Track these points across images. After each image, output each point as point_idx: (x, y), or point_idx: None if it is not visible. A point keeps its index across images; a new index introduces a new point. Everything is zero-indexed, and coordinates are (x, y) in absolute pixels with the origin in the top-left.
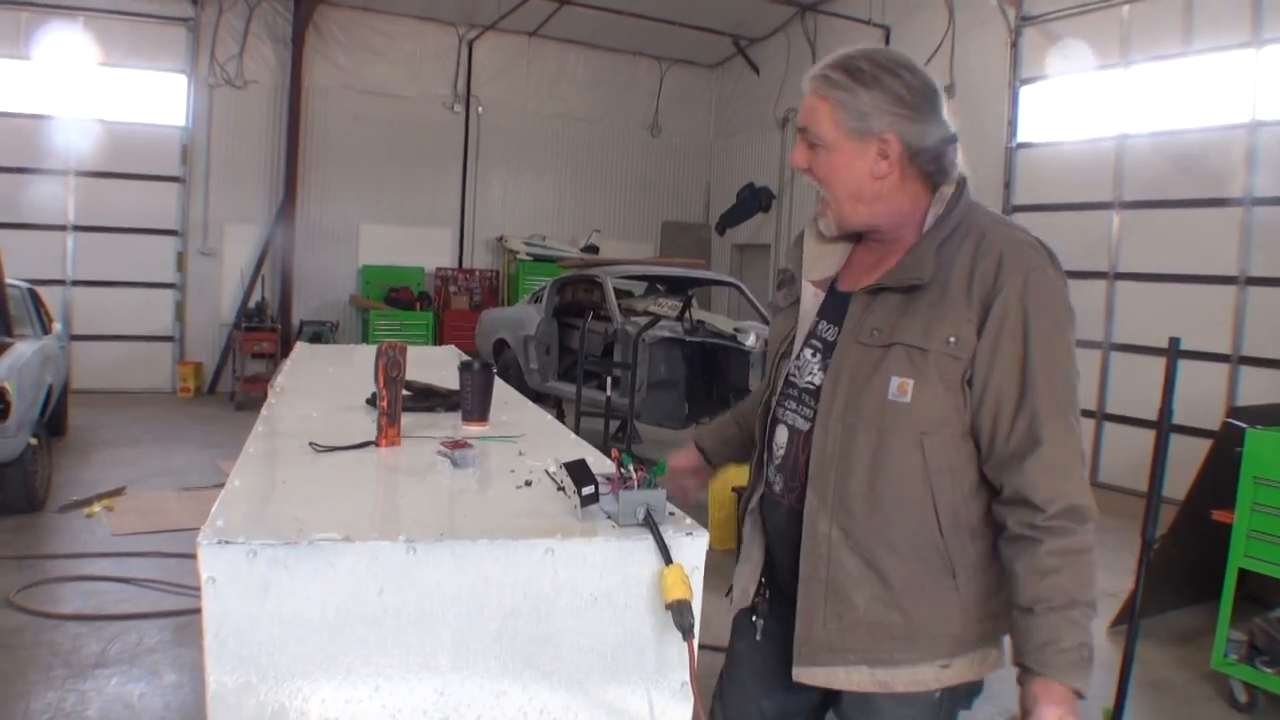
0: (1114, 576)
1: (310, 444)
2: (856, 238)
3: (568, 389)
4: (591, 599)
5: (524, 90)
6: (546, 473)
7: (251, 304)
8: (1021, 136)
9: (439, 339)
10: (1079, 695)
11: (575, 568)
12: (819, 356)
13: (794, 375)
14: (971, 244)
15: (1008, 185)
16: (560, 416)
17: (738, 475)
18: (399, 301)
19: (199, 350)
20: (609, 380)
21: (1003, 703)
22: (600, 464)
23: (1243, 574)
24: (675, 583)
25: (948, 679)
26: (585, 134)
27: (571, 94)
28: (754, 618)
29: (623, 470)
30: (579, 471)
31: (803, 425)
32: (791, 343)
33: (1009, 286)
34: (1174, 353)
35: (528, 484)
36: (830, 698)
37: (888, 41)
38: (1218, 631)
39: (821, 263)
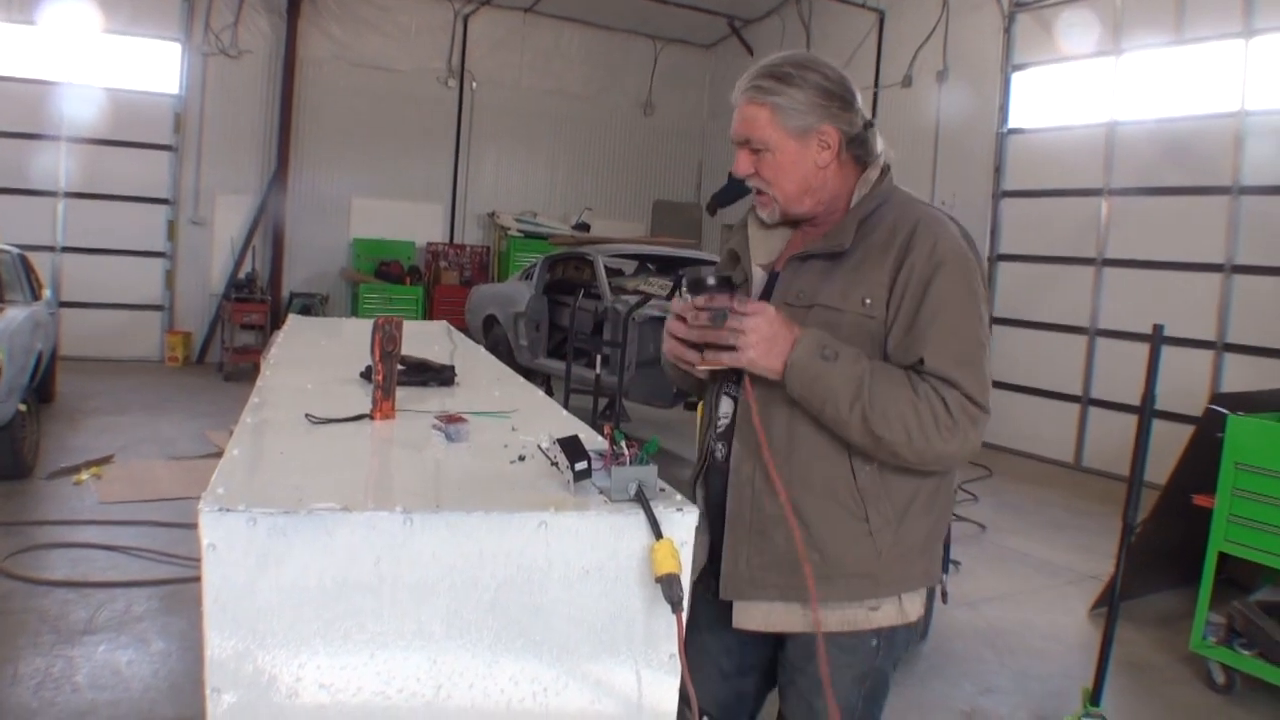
0: (1095, 559)
1: (306, 415)
2: (794, 223)
3: (557, 366)
4: (583, 572)
5: (518, 66)
6: (539, 448)
7: (241, 275)
8: (1013, 122)
9: (429, 314)
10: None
11: (567, 541)
12: None
13: None
14: (891, 218)
15: (998, 170)
16: (549, 393)
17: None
18: (389, 275)
19: (188, 320)
20: (598, 358)
21: (983, 681)
22: (592, 440)
23: (1223, 558)
24: (665, 557)
25: (878, 620)
26: (578, 112)
27: (565, 71)
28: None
29: (615, 446)
30: (572, 447)
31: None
32: None
33: (917, 250)
34: (1158, 339)
35: (521, 459)
36: (780, 651)
37: (881, 27)
38: (1197, 614)
39: (765, 247)
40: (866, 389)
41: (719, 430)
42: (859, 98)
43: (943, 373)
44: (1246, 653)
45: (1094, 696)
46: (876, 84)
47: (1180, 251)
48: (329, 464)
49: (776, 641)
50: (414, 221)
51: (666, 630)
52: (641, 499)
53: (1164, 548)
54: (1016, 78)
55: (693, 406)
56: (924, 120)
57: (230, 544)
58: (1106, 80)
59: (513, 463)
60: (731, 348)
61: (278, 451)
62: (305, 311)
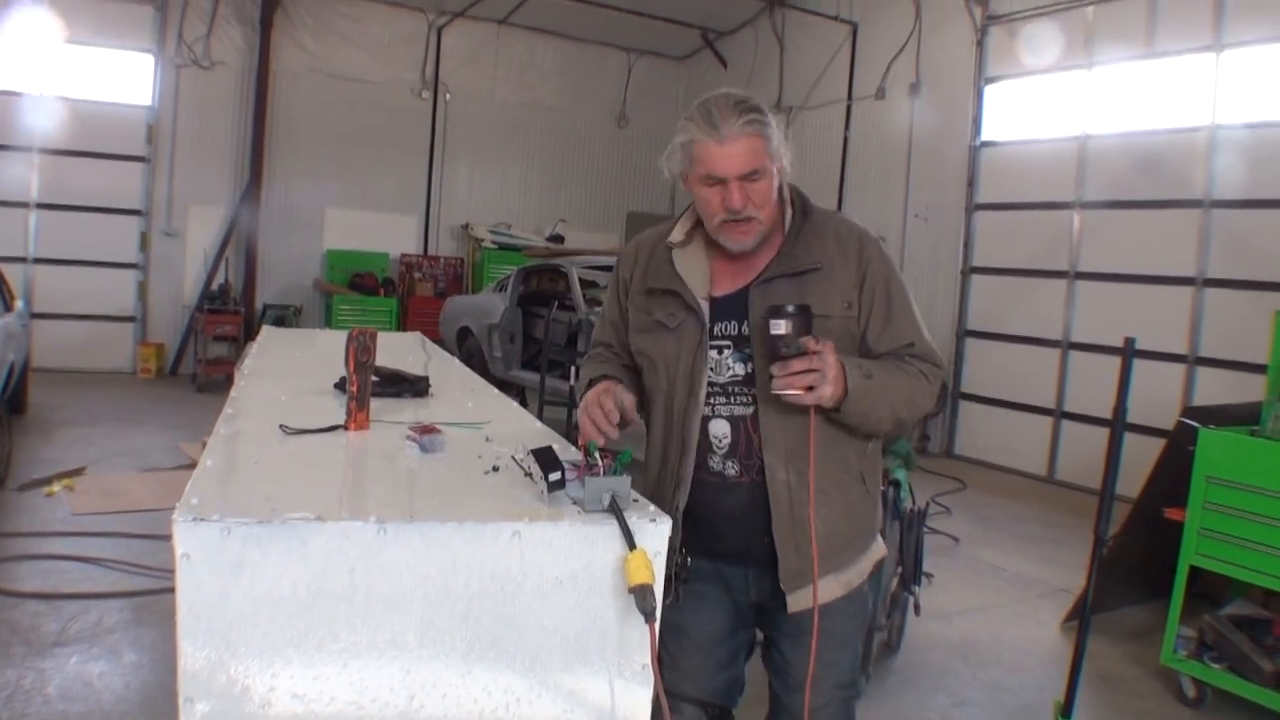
0: (1068, 572)
1: (280, 426)
2: (717, 251)
3: (531, 378)
4: (556, 582)
5: (492, 78)
6: (514, 459)
7: (214, 286)
8: (985, 135)
9: (403, 325)
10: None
11: (541, 551)
12: (731, 351)
13: (713, 375)
14: (829, 229)
15: (971, 183)
16: (523, 405)
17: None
18: (363, 287)
19: (161, 331)
20: (572, 369)
21: (955, 693)
22: (565, 452)
23: (1195, 572)
24: (639, 568)
25: (868, 563)
26: (552, 123)
27: (539, 83)
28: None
29: (588, 457)
30: (546, 458)
31: (744, 411)
32: (695, 353)
33: (869, 253)
34: (1129, 352)
35: (495, 469)
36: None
37: (855, 38)
38: (1168, 628)
39: (699, 277)
40: (892, 391)
41: (723, 450)
42: None
43: (921, 351)
44: (1217, 666)
45: (1065, 709)
46: (850, 96)
47: (1152, 265)
48: (303, 474)
49: (761, 620)
50: (388, 233)
51: (640, 640)
52: (615, 509)
53: (1136, 561)
54: (989, 90)
55: None
56: (897, 133)
57: (204, 554)
58: (1078, 93)
59: (487, 473)
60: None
61: (252, 462)
62: (279, 323)
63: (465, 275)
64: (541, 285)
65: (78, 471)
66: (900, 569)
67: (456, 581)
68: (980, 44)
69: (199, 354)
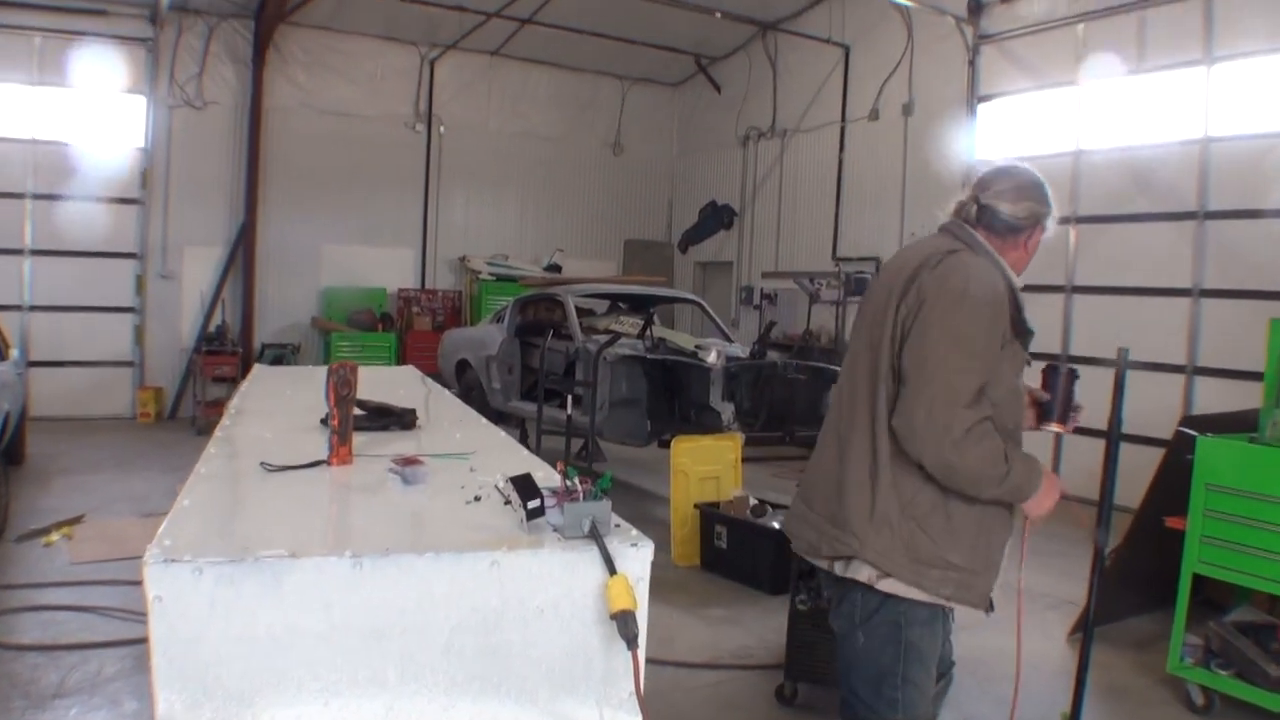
0: (1073, 584)
1: (261, 464)
2: None
3: (531, 408)
4: (538, 611)
5: (486, 109)
6: (496, 488)
7: (212, 327)
8: (979, 153)
9: (401, 360)
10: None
11: (521, 580)
12: None
13: None
14: None
15: None
16: (523, 436)
17: (699, 492)
18: (361, 323)
19: (160, 375)
20: (569, 398)
21: (963, 709)
22: (551, 479)
23: (1199, 579)
24: (620, 593)
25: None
26: (547, 153)
27: (534, 113)
28: None
29: (568, 483)
30: (524, 485)
31: None
32: None
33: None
34: (1123, 363)
35: (477, 499)
36: None
37: (847, 62)
38: (1173, 636)
39: None
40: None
41: None
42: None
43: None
44: (1224, 673)
45: None
46: (843, 118)
47: (1148, 277)
48: (282, 511)
49: None
50: (385, 268)
51: (626, 668)
52: (595, 535)
53: (1140, 571)
54: (982, 109)
55: (666, 445)
56: (891, 153)
57: (177, 595)
58: (1071, 109)
59: (468, 503)
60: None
61: (230, 501)
62: (277, 362)
63: (463, 308)
64: (539, 315)
65: (76, 520)
66: None
67: (435, 614)
68: (972, 63)
69: (198, 396)
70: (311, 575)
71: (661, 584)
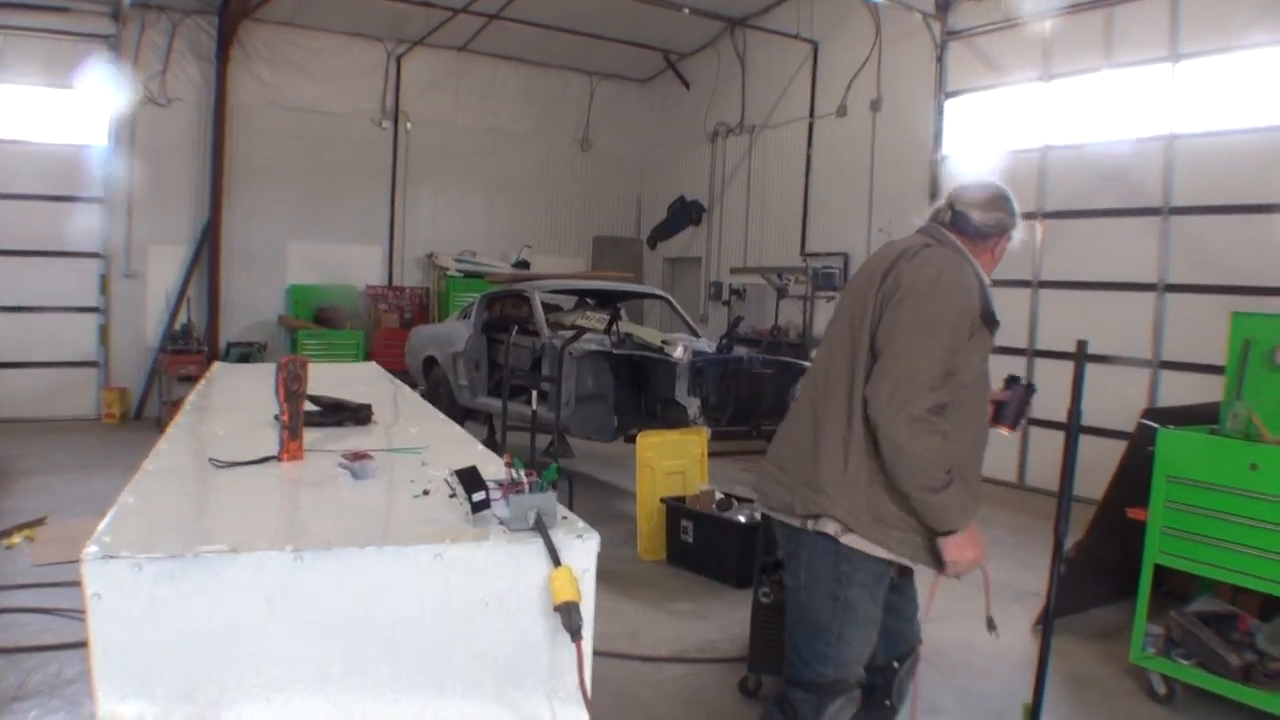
0: (1038, 576)
1: (210, 460)
2: None
3: (498, 404)
4: (483, 604)
5: (453, 106)
6: (446, 481)
7: (177, 326)
8: (947, 149)
9: (369, 358)
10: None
11: (465, 573)
12: None
13: None
14: None
15: (933, 197)
16: (491, 433)
17: (665, 486)
18: (328, 321)
19: (125, 375)
20: (534, 394)
21: (926, 701)
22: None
23: (1162, 570)
24: (564, 585)
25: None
26: (516, 149)
27: (502, 109)
28: None
29: (513, 475)
30: (470, 478)
31: None
32: None
33: None
34: (1082, 355)
35: (425, 493)
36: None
37: (815, 58)
38: (1135, 626)
39: None
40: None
41: None
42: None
43: None
44: (1185, 662)
45: (1033, 712)
46: (812, 114)
47: (1114, 272)
48: (228, 507)
49: None
50: (352, 265)
51: (573, 660)
52: (540, 527)
53: (1103, 562)
54: (949, 105)
55: (633, 440)
56: (859, 149)
57: (116, 593)
58: (1038, 106)
59: (416, 497)
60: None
61: (175, 497)
62: (244, 360)
63: (431, 305)
64: (505, 311)
65: (39, 521)
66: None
67: (379, 608)
68: (940, 59)
69: (163, 396)
70: (252, 570)
71: (627, 579)
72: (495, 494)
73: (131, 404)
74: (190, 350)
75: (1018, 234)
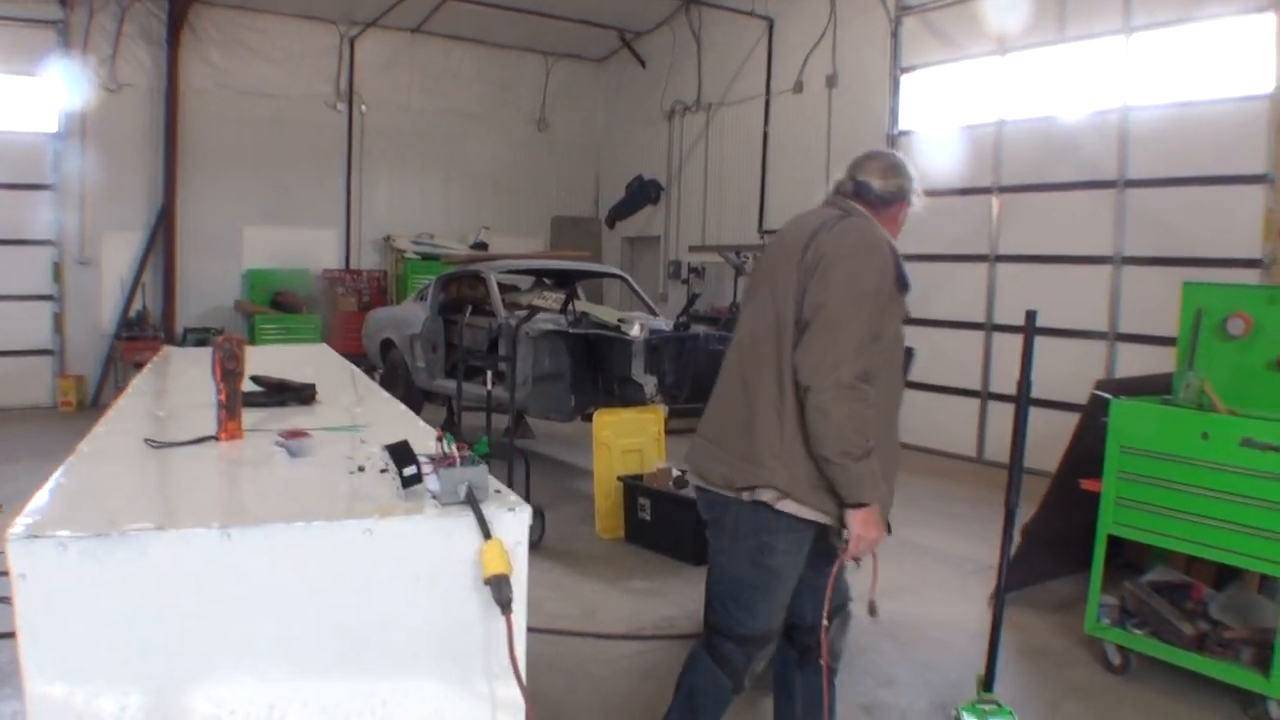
0: (994, 549)
1: (146, 440)
2: None
3: (455, 386)
4: (414, 578)
5: (408, 87)
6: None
7: (132, 313)
8: (903, 124)
9: (327, 342)
10: (868, 504)
11: (396, 547)
12: None
13: None
14: None
15: None
16: (451, 414)
17: (623, 464)
18: (285, 305)
19: (81, 363)
20: (489, 374)
21: (883, 674)
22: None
23: (1118, 541)
24: (493, 558)
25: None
26: (472, 130)
27: (457, 90)
28: None
29: (444, 449)
30: (400, 453)
31: None
32: None
33: None
34: (1031, 327)
35: (361, 470)
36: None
37: (771, 35)
38: (1090, 597)
39: None
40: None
41: None
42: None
43: None
44: (1139, 632)
45: (986, 683)
46: (768, 91)
47: (1070, 245)
48: (160, 487)
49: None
50: (308, 249)
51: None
52: (471, 500)
53: (1059, 534)
54: (905, 80)
55: (590, 419)
56: (816, 125)
57: (41, 573)
58: (993, 80)
59: (351, 473)
60: None
61: (107, 478)
62: (202, 345)
63: (389, 288)
64: (462, 292)
65: None
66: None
67: (309, 584)
68: (895, 35)
69: (120, 383)
70: (179, 548)
71: (585, 557)
72: (427, 468)
73: (88, 392)
74: (146, 337)
75: (917, 199)
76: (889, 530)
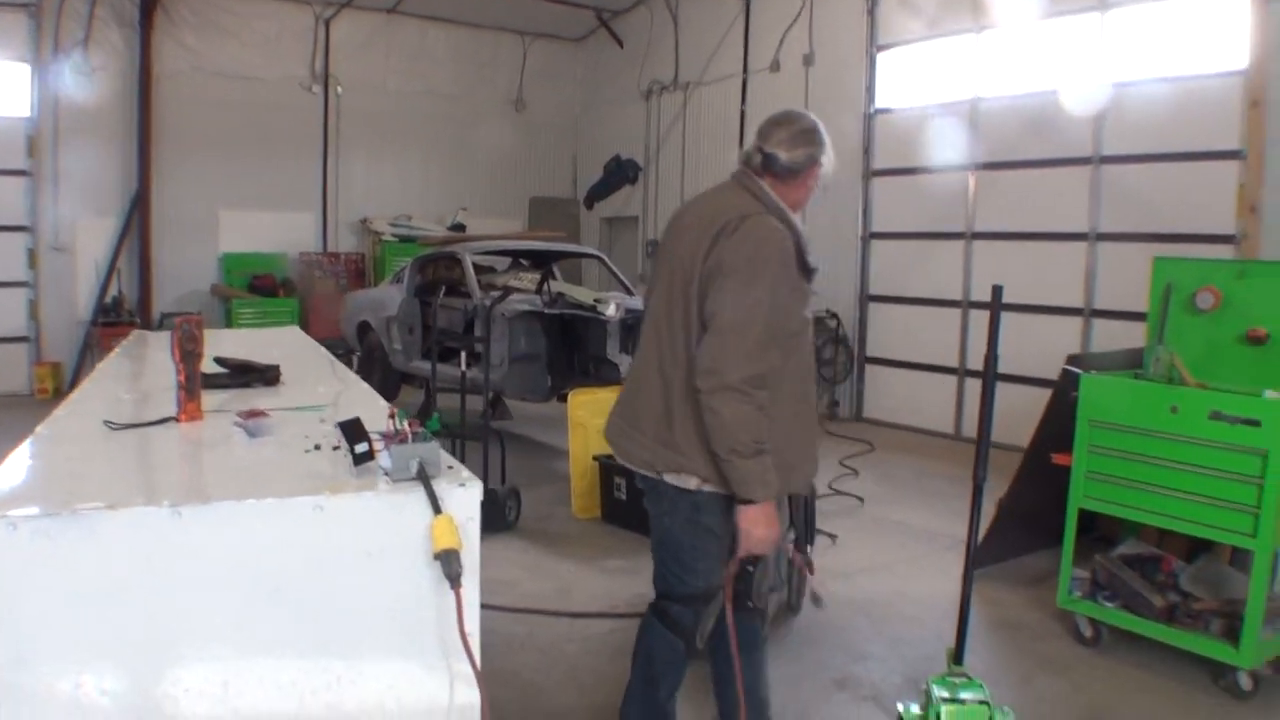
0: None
1: (105, 422)
2: None
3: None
4: (366, 554)
5: (384, 69)
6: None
7: (108, 299)
8: (879, 102)
9: (305, 325)
10: (757, 502)
11: (347, 524)
12: None
13: None
14: None
15: (867, 150)
16: (428, 395)
17: (599, 444)
18: (262, 289)
19: (57, 350)
20: (464, 355)
21: (856, 649)
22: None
23: (1091, 515)
24: (443, 533)
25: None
26: (448, 111)
27: (433, 71)
28: None
29: (396, 425)
30: (352, 430)
31: None
32: None
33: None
34: (997, 303)
35: (316, 448)
36: None
37: (748, 14)
38: (1062, 570)
39: None
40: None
41: None
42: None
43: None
44: (1110, 605)
45: (956, 656)
46: (745, 70)
47: (1046, 222)
48: (116, 467)
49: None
50: (285, 232)
51: (465, 606)
52: (422, 476)
53: (1032, 508)
54: (881, 58)
55: (566, 399)
56: (792, 104)
57: None
58: (969, 57)
59: (307, 452)
60: None
61: (63, 459)
62: None
63: (367, 270)
64: (438, 274)
65: None
66: (792, 529)
67: (262, 561)
68: (871, 13)
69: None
70: (130, 527)
71: (561, 537)
72: (379, 445)
73: (65, 379)
74: (122, 322)
75: (828, 161)
76: (814, 494)
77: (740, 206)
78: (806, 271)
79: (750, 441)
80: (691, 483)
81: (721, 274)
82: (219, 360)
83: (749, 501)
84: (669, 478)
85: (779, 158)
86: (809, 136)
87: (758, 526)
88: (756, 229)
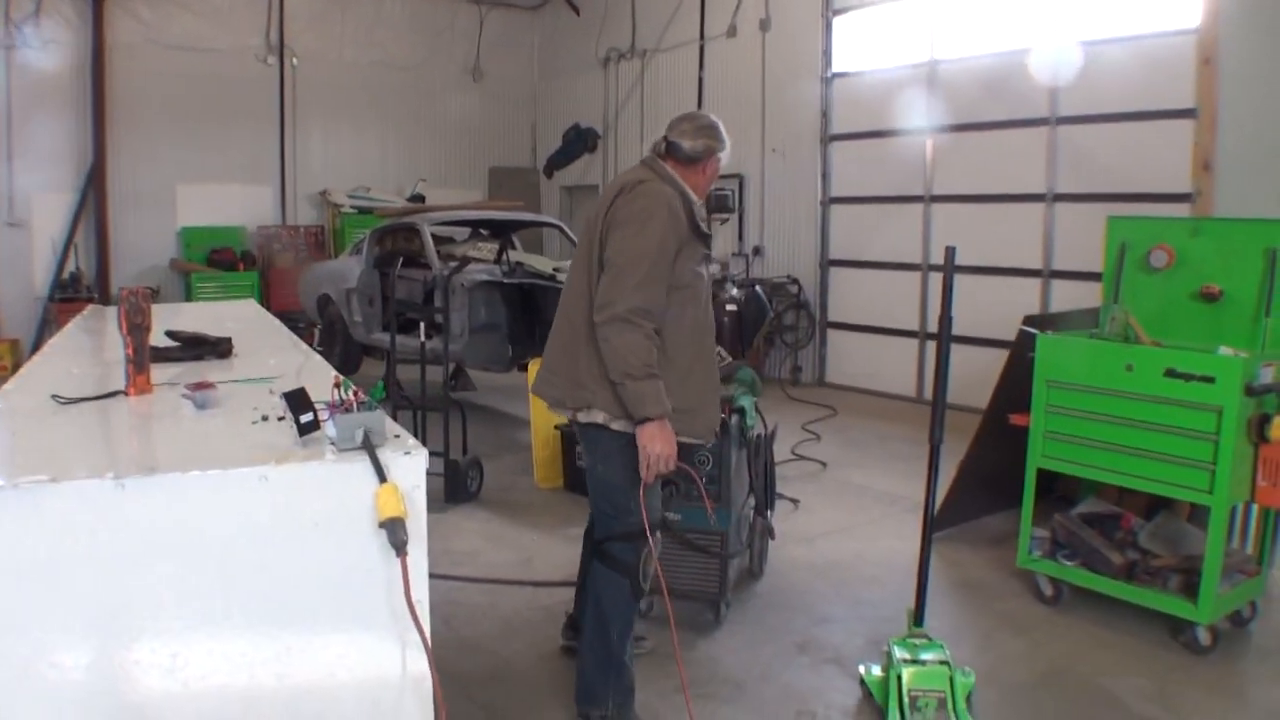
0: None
1: (53, 396)
2: None
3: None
4: (313, 524)
5: (340, 39)
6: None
7: (66, 275)
8: (836, 67)
9: (265, 298)
10: (652, 419)
11: (292, 494)
12: None
13: None
14: None
15: (824, 115)
16: (389, 367)
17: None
18: (221, 263)
19: (14, 327)
20: (422, 326)
21: (817, 612)
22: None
23: (1051, 475)
24: (388, 501)
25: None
26: (406, 81)
27: (389, 41)
28: None
29: (340, 395)
30: (297, 400)
31: None
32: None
33: None
34: (950, 264)
35: (264, 419)
36: None
37: None
38: (1021, 530)
39: None
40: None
41: None
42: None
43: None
44: (1070, 563)
45: (917, 617)
46: (702, 36)
47: (1004, 184)
48: (62, 441)
49: None
50: (243, 206)
51: (412, 574)
52: (367, 445)
53: (992, 469)
54: (837, 22)
55: (525, 368)
56: (750, 70)
57: None
58: (925, 20)
59: (255, 423)
60: None
61: (8, 434)
62: None
63: (326, 242)
64: (397, 245)
65: None
66: (752, 495)
67: (206, 533)
68: None
69: None
70: (73, 500)
71: (524, 506)
72: (324, 415)
73: (23, 356)
74: (80, 298)
75: (724, 154)
76: (710, 440)
77: (640, 176)
78: (700, 236)
79: (640, 365)
80: (599, 417)
81: (617, 224)
82: (170, 334)
83: (646, 420)
84: (581, 416)
85: (682, 145)
86: (710, 131)
87: (654, 442)
88: (649, 190)
